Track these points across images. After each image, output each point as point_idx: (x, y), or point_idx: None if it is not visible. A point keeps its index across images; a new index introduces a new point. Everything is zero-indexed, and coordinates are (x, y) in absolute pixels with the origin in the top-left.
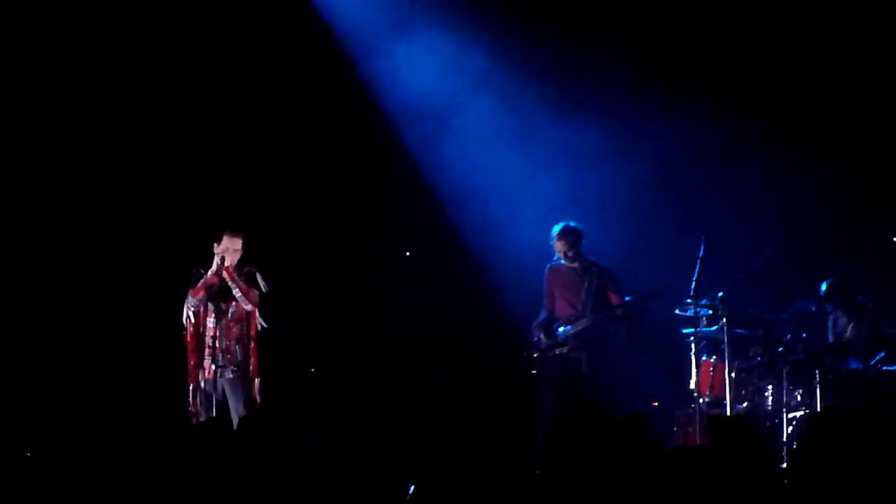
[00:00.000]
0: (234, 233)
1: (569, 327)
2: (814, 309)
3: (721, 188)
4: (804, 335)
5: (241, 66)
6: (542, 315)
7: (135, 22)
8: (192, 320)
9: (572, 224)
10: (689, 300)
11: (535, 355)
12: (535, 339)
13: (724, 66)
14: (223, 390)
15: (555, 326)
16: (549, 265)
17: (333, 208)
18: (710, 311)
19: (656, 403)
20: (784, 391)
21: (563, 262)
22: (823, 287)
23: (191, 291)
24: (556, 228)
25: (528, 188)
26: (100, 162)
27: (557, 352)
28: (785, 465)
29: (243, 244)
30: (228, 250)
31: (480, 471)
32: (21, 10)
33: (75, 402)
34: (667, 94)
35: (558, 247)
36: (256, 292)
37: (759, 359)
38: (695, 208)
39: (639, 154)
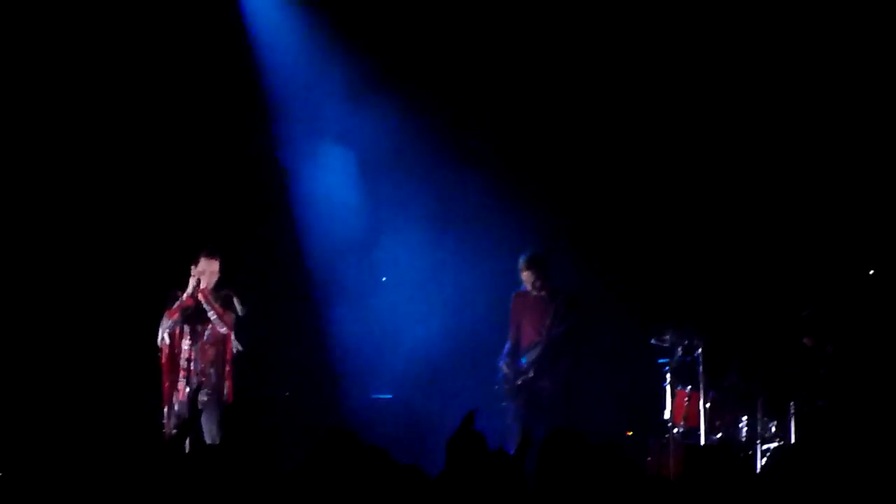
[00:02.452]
0: (211, 255)
1: (530, 354)
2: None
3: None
4: (780, 365)
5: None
6: (508, 345)
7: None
8: (168, 342)
9: (539, 253)
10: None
11: (505, 386)
12: (501, 369)
13: None
14: (197, 412)
15: (520, 355)
16: (514, 292)
17: (309, 231)
18: (686, 341)
19: (630, 433)
20: (759, 422)
21: (530, 290)
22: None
23: (167, 312)
24: (524, 257)
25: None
26: (79, 181)
27: (520, 381)
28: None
29: (221, 266)
30: (205, 272)
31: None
32: None
33: (48, 422)
34: None
35: (526, 276)
36: (233, 315)
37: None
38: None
39: None
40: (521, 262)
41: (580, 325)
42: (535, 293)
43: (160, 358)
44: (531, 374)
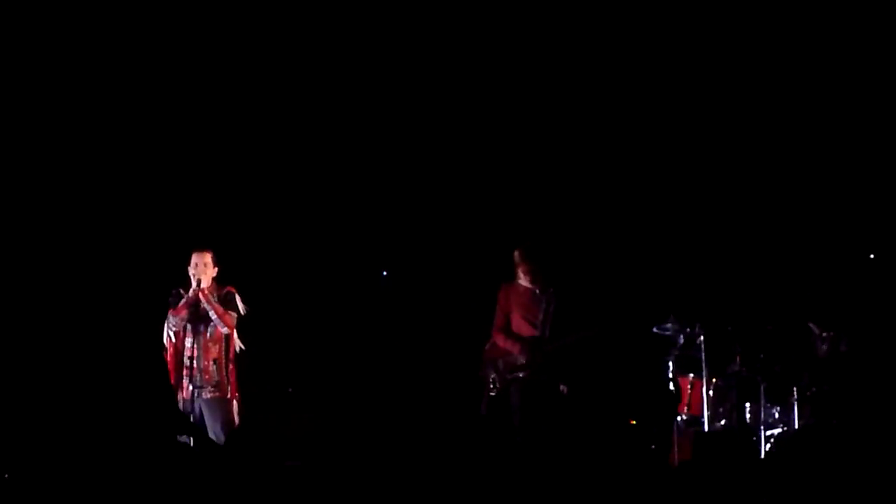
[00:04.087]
0: (201, 249)
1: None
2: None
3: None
4: (783, 352)
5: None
6: (496, 336)
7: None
8: (173, 340)
9: (535, 244)
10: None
11: (492, 375)
12: (491, 359)
13: None
14: (200, 410)
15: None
16: (505, 283)
17: (312, 226)
18: (688, 329)
19: (633, 421)
20: (762, 408)
21: (521, 281)
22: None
23: (171, 311)
24: (521, 248)
25: None
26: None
27: (520, 375)
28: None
29: (214, 259)
30: (198, 266)
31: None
32: None
33: (52, 422)
34: None
35: (522, 267)
36: (234, 315)
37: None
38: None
39: None
40: (517, 253)
41: (596, 332)
42: (526, 285)
43: (165, 356)
44: (531, 368)
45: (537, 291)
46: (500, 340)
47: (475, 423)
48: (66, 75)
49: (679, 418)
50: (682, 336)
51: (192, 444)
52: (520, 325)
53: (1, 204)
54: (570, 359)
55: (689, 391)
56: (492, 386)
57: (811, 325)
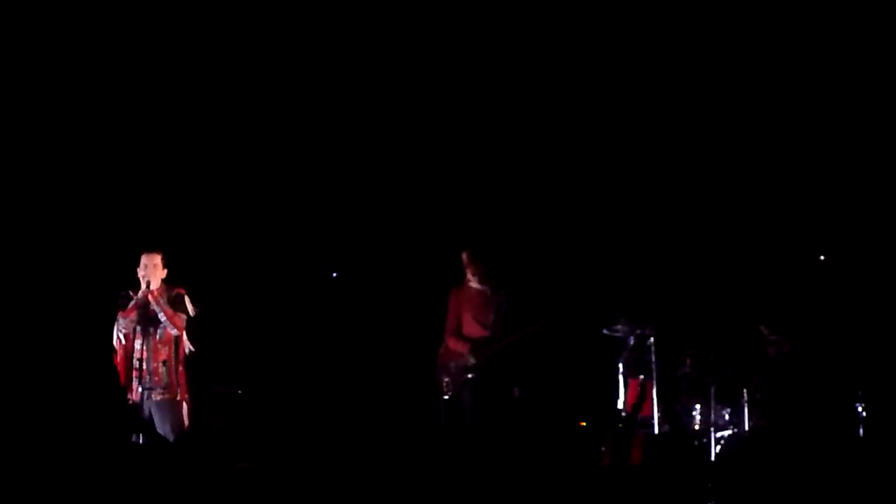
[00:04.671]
0: (150, 251)
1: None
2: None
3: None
4: (733, 354)
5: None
6: (448, 339)
7: None
8: (123, 342)
9: (485, 246)
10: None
11: (445, 379)
12: (445, 365)
13: None
14: (150, 412)
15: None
16: (455, 287)
17: (262, 227)
18: (639, 331)
19: (584, 423)
20: (712, 410)
21: (471, 283)
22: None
23: (121, 313)
24: (469, 249)
25: None
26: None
27: (470, 376)
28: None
29: (164, 260)
30: (148, 268)
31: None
32: None
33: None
34: None
35: (470, 269)
36: (183, 316)
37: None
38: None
39: None
40: (465, 255)
41: (541, 325)
42: (476, 286)
43: (115, 358)
44: (481, 368)
45: (489, 293)
46: (452, 343)
47: (428, 427)
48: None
49: (629, 419)
50: (632, 338)
51: (142, 442)
52: (471, 328)
53: None
54: (521, 359)
55: (638, 392)
56: (445, 390)
57: (761, 327)
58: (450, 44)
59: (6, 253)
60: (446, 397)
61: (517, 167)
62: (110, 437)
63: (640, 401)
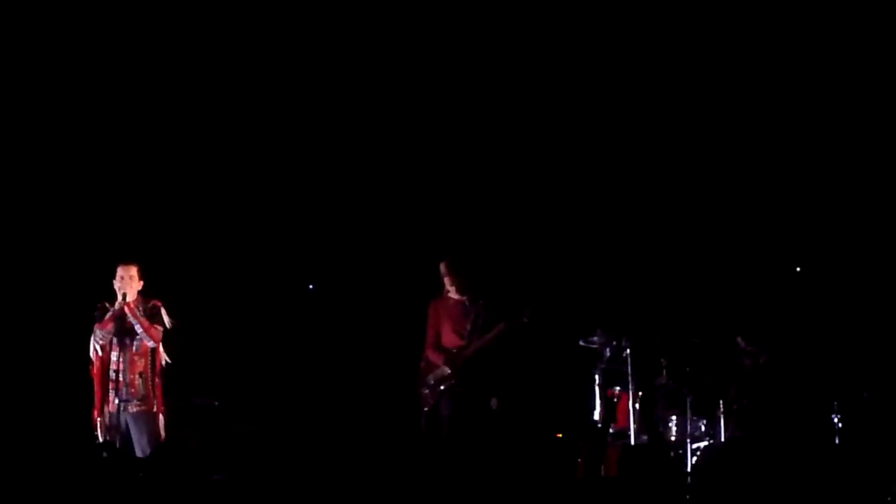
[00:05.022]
0: (126, 262)
1: (453, 360)
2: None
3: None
4: (709, 365)
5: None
6: (427, 350)
7: None
8: (99, 353)
9: (461, 256)
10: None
11: (425, 391)
12: (425, 377)
13: None
14: (126, 424)
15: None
16: (434, 299)
17: (238, 239)
18: (615, 342)
19: (560, 435)
20: (688, 421)
21: (450, 294)
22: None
23: (97, 325)
24: (446, 260)
25: None
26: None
27: (444, 387)
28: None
29: (140, 272)
30: (124, 279)
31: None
32: None
33: None
34: None
35: (448, 280)
36: (160, 328)
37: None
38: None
39: None
40: (443, 265)
41: (504, 328)
42: (455, 297)
43: (91, 369)
44: (457, 379)
45: (467, 303)
46: (430, 355)
47: (408, 438)
48: None
49: (605, 431)
50: (608, 349)
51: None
52: (450, 338)
53: None
54: (499, 370)
55: (615, 404)
56: (425, 401)
57: (738, 339)
58: (428, 55)
59: None
60: (426, 409)
61: (495, 177)
62: (79, 452)
63: (610, 412)
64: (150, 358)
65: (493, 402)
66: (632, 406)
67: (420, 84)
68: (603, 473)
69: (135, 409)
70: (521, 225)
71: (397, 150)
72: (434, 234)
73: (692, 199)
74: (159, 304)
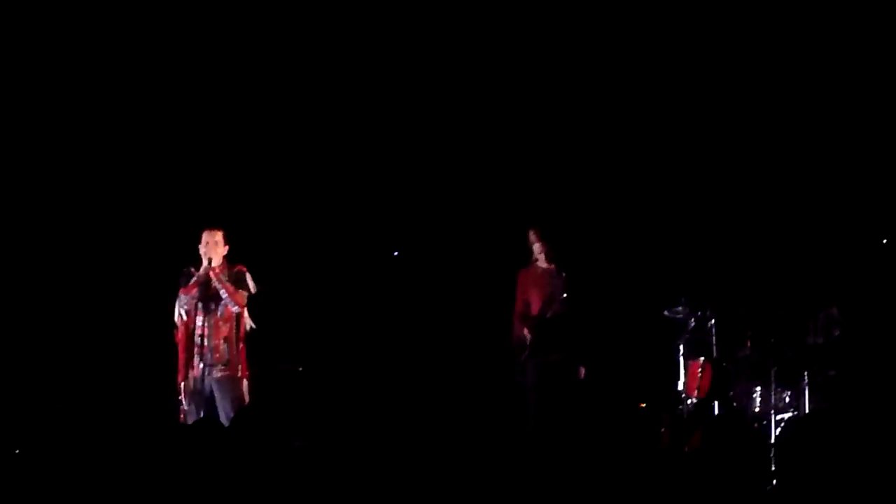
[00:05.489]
0: (211, 228)
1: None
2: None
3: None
4: (794, 336)
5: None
6: (516, 319)
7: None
8: (184, 318)
9: (551, 224)
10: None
11: (516, 360)
12: (513, 344)
13: None
14: (211, 389)
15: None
16: (521, 269)
17: (324, 204)
18: (699, 313)
19: (643, 405)
20: (772, 392)
21: (538, 262)
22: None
23: (182, 290)
24: (536, 228)
25: None
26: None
27: (532, 354)
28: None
29: (225, 237)
30: (209, 245)
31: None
32: None
33: (64, 402)
34: None
35: (538, 247)
36: (245, 293)
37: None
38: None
39: None
40: (532, 233)
41: (589, 297)
42: (543, 266)
43: (176, 335)
44: (545, 347)
45: (554, 272)
46: (517, 324)
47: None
48: (79, 57)
49: (689, 402)
50: (692, 320)
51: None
52: (538, 307)
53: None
54: (584, 339)
55: (699, 375)
56: (518, 370)
57: (833, 309)
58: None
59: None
60: (518, 379)
61: (582, 147)
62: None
63: (712, 385)
64: (234, 323)
65: (581, 371)
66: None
67: (510, 53)
68: (687, 445)
69: (219, 374)
70: (608, 195)
71: (492, 118)
72: (518, 205)
73: (781, 167)
74: (244, 269)
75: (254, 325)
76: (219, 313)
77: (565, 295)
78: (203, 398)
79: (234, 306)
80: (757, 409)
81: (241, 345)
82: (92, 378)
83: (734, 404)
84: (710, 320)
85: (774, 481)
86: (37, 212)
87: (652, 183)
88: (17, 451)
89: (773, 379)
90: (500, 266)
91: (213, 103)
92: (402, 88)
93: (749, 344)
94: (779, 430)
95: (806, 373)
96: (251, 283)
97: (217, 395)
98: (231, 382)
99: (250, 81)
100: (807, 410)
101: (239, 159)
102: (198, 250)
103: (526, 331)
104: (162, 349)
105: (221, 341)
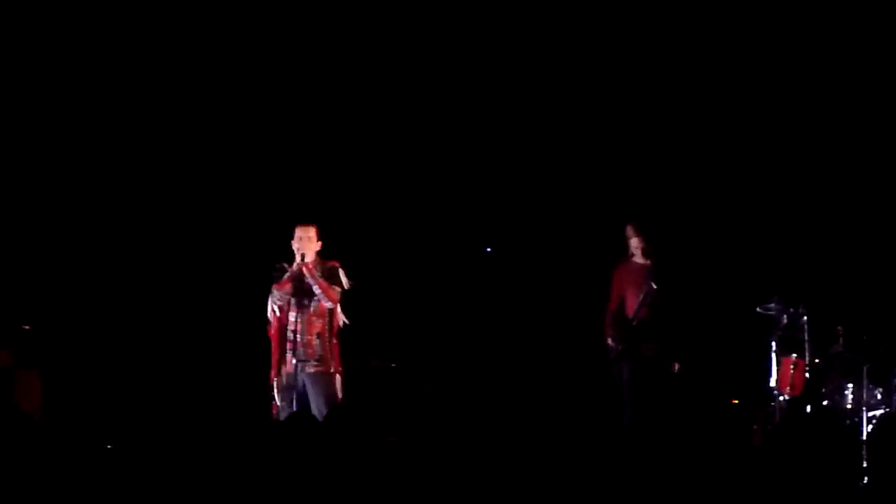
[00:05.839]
0: (304, 224)
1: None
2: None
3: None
4: (886, 333)
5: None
6: (611, 315)
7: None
8: (277, 314)
9: (648, 219)
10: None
11: (611, 356)
12: (607, 339)
13: None
14: (304, 384)
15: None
16: (617, 264)
17: (417, 201)
18: (792, 309)
19: (736, 401)
20: (864, 389)
21: (634, 258)
22: None
23: (275, 286)
24: (634, 222)
25: None
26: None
27: (626, 349)
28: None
29: (318, 232)
30: (302, 240)
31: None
32: None
33: (158, 397)
34: None
35: (635, 242)
36: (338, 289)
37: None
38: None
39: None
40: (630, 227)
41: (683, 292)
42: (640, 261)
43: (269, 330)
44: (638, 342)
45: (650, 268)
46: (609, 321)
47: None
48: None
49: (781, 398)
50: (785, 316)
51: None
52: (634, 302)
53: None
54: (679, 335)
55: (791, 371)
56: (613, 364)
57: None
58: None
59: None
60: (612, 373)
61: (677, 143)
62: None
63: (808, 384)
64: (327, 319)
65: (675, 366)
66: (807, 373)
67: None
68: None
69: (312, 370)
70: (703, 192)
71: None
72: (614, 200)
73: (875, 165)
74: (338, 264)
75: (347, 321)
76: (312, 309)
77: (657, 289)
78: (296, 394)
79: (327, 302)
80: (848, 406)
81: (334, 340)
82: (187, 373)
83: (825, 402)
84: (803, 317)
85: (866, 479)
86: (137, 207)
87: (747, 179)
88: (109, 447)
89: (864, 376)
90: (594, 261)
91: (309, 100)
92: (497, 87)
93: (841, 341)
94: (870, 427)
95: None
96: (344, 279)
97: (310, 390)
98: (324, 378)
99: (348, 79)
100: None
101: (334, 156)
102: (291, 246)
103: (618, 329)
104: (255, 345)
105: (314, 337)
